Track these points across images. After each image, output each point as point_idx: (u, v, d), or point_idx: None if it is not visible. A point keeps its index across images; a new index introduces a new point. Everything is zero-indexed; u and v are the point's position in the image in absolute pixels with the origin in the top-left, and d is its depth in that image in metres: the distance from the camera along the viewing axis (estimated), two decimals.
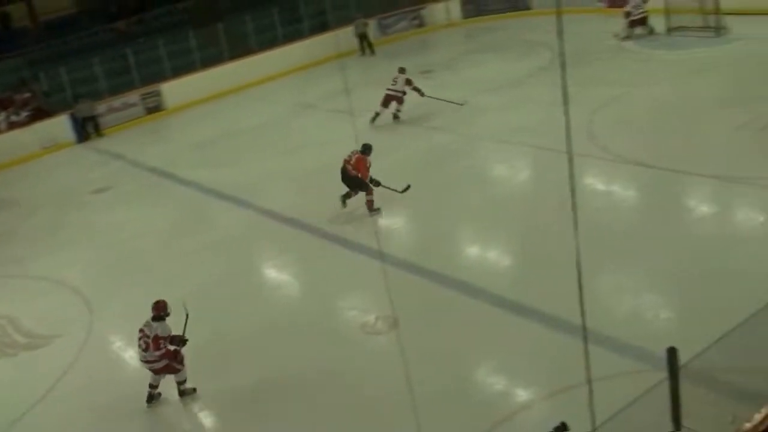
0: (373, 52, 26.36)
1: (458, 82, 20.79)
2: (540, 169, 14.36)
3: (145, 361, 9.00)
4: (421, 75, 20.46)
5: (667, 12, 21.13)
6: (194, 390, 9.21)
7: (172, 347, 8.94)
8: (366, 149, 13.12)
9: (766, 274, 9.16)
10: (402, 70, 17.89)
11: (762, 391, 6.31)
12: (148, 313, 8.91)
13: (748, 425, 4.97)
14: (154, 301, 8.97)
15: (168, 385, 9.17)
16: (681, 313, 9.30)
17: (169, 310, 8.88)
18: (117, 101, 23.31)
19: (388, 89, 17.87)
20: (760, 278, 9.03)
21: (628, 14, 21.74)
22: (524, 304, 9.76)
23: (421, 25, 28.77)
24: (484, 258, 11.81)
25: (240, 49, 25.59)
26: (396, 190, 13.20)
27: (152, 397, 9.19)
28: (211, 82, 24.18)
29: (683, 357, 5.97)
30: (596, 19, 23.11)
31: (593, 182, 13.10)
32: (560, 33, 3.79)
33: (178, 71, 24.62)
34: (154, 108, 23.82)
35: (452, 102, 17.96)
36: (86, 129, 22.39)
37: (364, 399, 8.61)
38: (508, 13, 27.82)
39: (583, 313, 4.21)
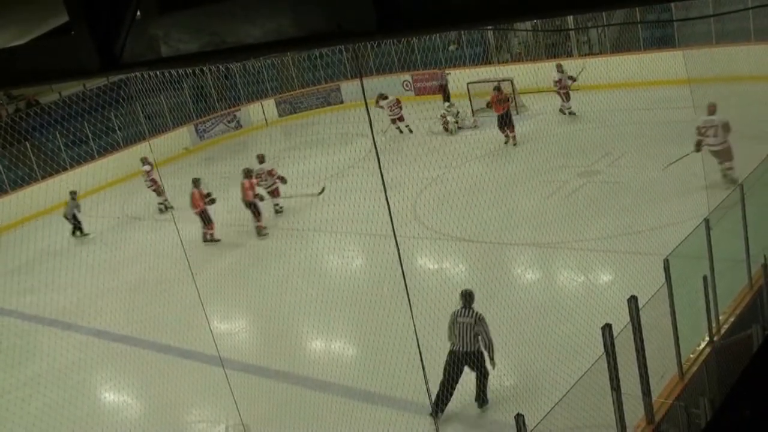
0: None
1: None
2: (372, 255, 14.63)
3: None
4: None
5: (470, 96, 22.75)
6: None
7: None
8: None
9: (593, 330, 9.71)
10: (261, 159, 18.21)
11: None
12: None
13: None
14: None
15: None
16: (523, 377, 9.64)
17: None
18: None
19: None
20: (587, 334, 9.56)
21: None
22: (373, 391, 9.75)
23: (238, 127, 28.96)
24: (328, 351, 11.76)
25: (51, 167, 24.56)
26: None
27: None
28: (23, 203, 22.91)
29: (531, 421, 6.17)
30: (407, 106, 24.21)
31: (425, 262, 13.51)
32: (371, 124, 3.97)
33: None
34: None
35: (309, 194, 17.96)
36: None
37: None
38: (323, 108, 28.72)
39: (429, 393, 4.29)
